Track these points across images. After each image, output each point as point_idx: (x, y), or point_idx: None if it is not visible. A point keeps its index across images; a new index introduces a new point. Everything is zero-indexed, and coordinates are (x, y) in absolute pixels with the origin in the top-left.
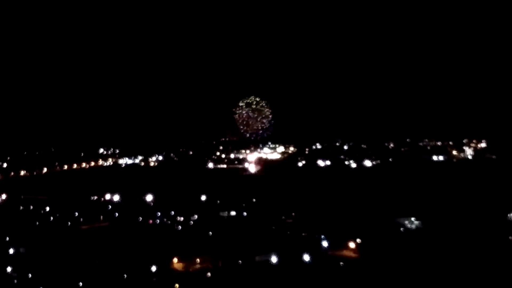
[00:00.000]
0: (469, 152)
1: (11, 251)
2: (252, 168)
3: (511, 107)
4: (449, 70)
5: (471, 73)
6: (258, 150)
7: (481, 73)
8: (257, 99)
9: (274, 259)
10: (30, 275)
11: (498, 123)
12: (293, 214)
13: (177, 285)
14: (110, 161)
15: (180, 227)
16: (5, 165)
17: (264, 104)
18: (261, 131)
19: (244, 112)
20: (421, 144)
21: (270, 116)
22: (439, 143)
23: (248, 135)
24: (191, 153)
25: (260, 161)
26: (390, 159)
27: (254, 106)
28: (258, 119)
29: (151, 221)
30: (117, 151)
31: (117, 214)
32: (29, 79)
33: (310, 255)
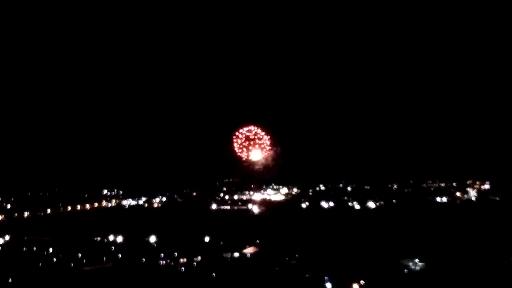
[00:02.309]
0: (472, 193)
1: None
2: (255, 209)
3: None
4: (452, 111)
5: (475, 114)
6: (262, 191)
7: (484, 114)
8: (260, 141)
9: None
10: None
11: (501, 164)
12: (297, 255)
13: None
14: (113, 202)
15: (183, 268)
16: (8, 206)
17: (267, 145)
18: (264, 172)
19: (247, 153)
20: (424, 185)
21: (274, 158)
22: (442, 185)
23: (251, 176)
24: (194, 194)
25: (264, 203)
26: (394, 201)
27: (257, 148)
28: (262, 161)
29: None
30: (121, 192)
31: (120, 255)
32: (29, 118)
33: None
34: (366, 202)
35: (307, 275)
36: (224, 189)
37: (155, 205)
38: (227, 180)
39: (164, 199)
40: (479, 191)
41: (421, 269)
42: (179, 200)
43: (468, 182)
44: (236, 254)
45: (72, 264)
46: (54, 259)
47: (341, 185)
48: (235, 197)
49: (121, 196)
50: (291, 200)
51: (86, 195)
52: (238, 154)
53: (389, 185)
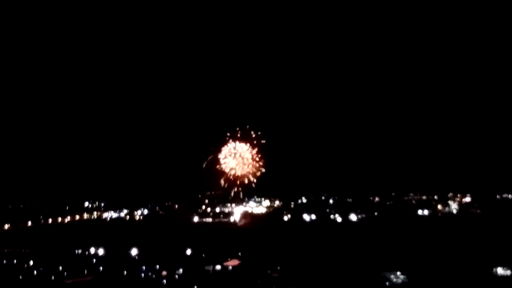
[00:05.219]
0: (453, 206)
1: None
2: (237, 222)
3: (496, 162)
4: (434, 124)
5: (456, 127)
6: (244, 203)
7: (466, 128)
8: (243, 152)
9: None
10: None
11: (482, 177)
12: (279, 268)
13: None
14: (95, 215)
15: (165, 281)
16: None
17: (249, 157)
18: (246, 185)
19: (229, 166)
20: (406, 198)
21: (256, 170)
22: (424, 197)
23: (233, 189)
24: (176, 206)
25: (246, 215)
26: (376, 213)
27: (239, 160)
28: (244, 173)
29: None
30: (102, 204)
31: (101, 268)
32: (8, 128)
33: None
34: (348, 214)
35: None
36: (206, 201)
37: (137, 217)
38: (209, 193)
39: (145, 211)
40: (460, 204)
41: (403, 282)
42: (161, 212)
43: (449, 195)
44: (218, 267)
45: (53, 277)
46: (35, 272)
47: (323, 197)
48: (217, 209)
49: (102, 209)
50: (273, 213)
51: (67, 207)
52: (220, 166)
53: (371, 198)
